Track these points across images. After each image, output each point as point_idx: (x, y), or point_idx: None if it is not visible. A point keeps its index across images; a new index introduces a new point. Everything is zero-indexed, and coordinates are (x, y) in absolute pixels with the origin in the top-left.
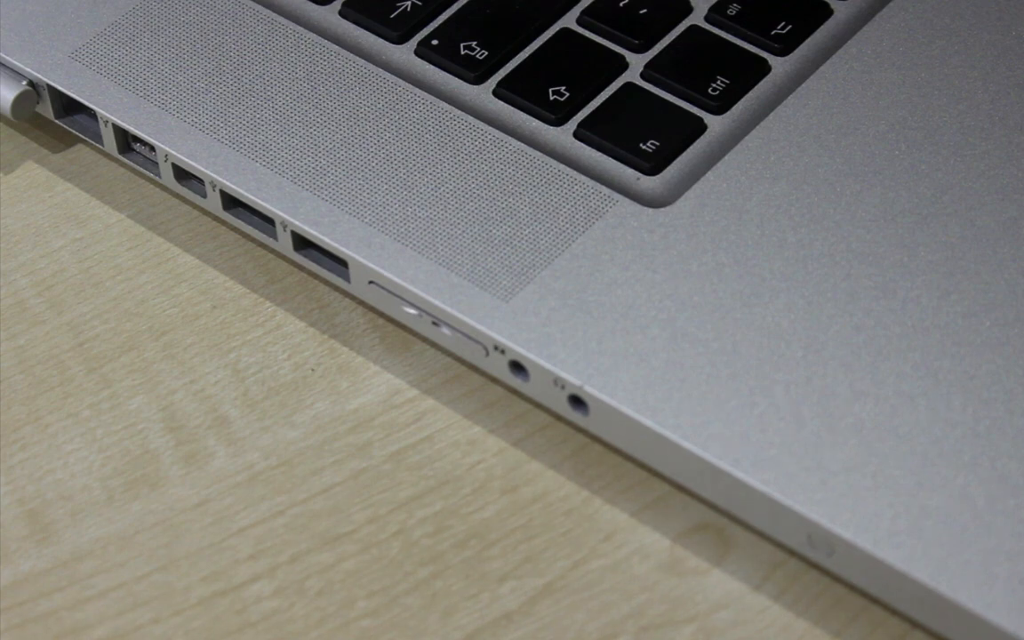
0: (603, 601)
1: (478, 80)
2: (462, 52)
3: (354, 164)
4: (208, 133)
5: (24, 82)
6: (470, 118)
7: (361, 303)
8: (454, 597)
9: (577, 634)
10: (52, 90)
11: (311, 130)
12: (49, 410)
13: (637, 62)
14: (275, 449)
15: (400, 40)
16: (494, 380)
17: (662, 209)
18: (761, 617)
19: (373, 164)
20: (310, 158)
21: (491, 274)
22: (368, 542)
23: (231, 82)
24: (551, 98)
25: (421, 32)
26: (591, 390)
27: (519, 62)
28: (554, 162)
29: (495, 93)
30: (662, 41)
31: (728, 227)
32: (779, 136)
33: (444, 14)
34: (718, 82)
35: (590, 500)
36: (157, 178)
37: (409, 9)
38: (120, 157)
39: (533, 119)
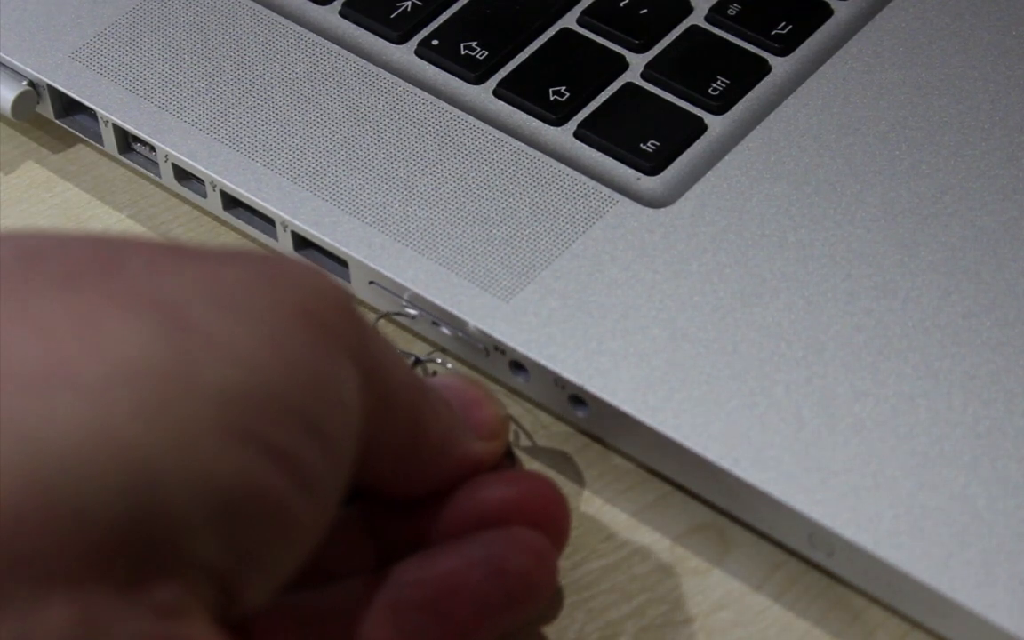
0: (603, 601)
1: (478, 80)
2: (462, 52)
3: (354, 164)
4: (208, 133)
5: (24, 82)
6: (470, 118)
7: (361, 303)
8: None
9: (577, 634)
10: (52, 90)
11: (311, 130)
12: None
13: (637, 62)
14: None
15: (400, 40)
16: (494, 380)
17: (662, 209)
18: (761, 617)
19: (373, 164)
20: (310, 158)
21: (491, 274)
22: None
23: (231, 82)
24: (551, 98)
25: (421, 32)
26: (591, 390)
27: (519, 62)
28: (554, 162)
29: (495, 93)
30: (662, 41)
31: (728, 227)
32: (779, 136)
33: (444, 14)
34: (718, 82)
35: (590, 500)
36: (157, 178)
37: (409, 9)
38: (120, 157)
39: (533, 119)
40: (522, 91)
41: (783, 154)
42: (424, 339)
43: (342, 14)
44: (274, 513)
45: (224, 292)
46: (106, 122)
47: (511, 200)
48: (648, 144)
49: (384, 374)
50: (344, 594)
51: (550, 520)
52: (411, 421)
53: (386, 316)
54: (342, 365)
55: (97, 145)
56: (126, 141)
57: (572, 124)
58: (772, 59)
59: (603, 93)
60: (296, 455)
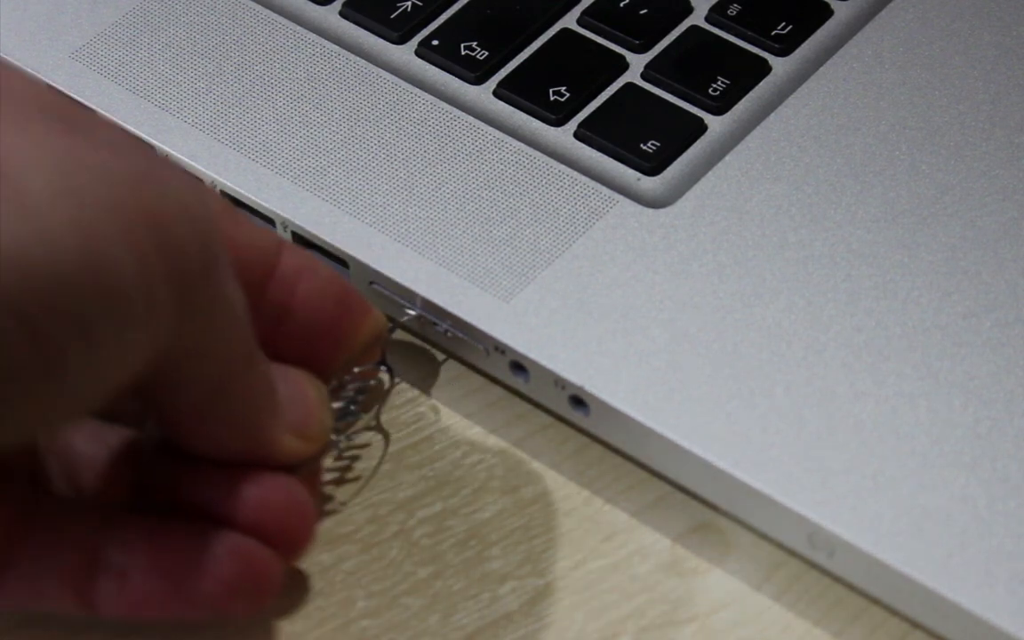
0: (603, 601)
1: (478, 80)
2: (462, 52)
3: (354, 164)
4: (208, 133)
5: None
6: (470, 118)
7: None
8: (454, 597)
9: (577, 634)
10: (52, 90)
11: (311, 130)
12: None
13: (637, 62)
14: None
15: (400, 40)
16: (494, 380)
17: (663, 209)
18: (761, 617)
19: (373, 164)
20: (310, 158)
21: (492, 274)
22: (368, 542)
23: (231, 82)
24: (551, 98)
25: (421, 32)
26: (592, 390)
27: (519, 62)
28: (554, 162)
29: (495, 93)
30: (662, 41)
31: (728, 227)
32: (779, 136)
33: (444, 14)
34: (718, 82)
35: (590, 500)
36: None
37: (409, 9)
38: None
39: (533, 119)
40: (522, 91)
41: (783, 154)
42: (424, 339)
43: (342, 14)
44: (12, 373)
45: (83, 167)
46: None
47: (511, 200)
48: (648, 144)
49: (208, 322)
50: (72, 510)
51: (285, 533)
52: (221, 379)
53: (400, 325)
54: (153, 286)
55: None
56: None
57: (572, 124)
58: (772, 59)
59: (603, 93)
60: (53, 337)
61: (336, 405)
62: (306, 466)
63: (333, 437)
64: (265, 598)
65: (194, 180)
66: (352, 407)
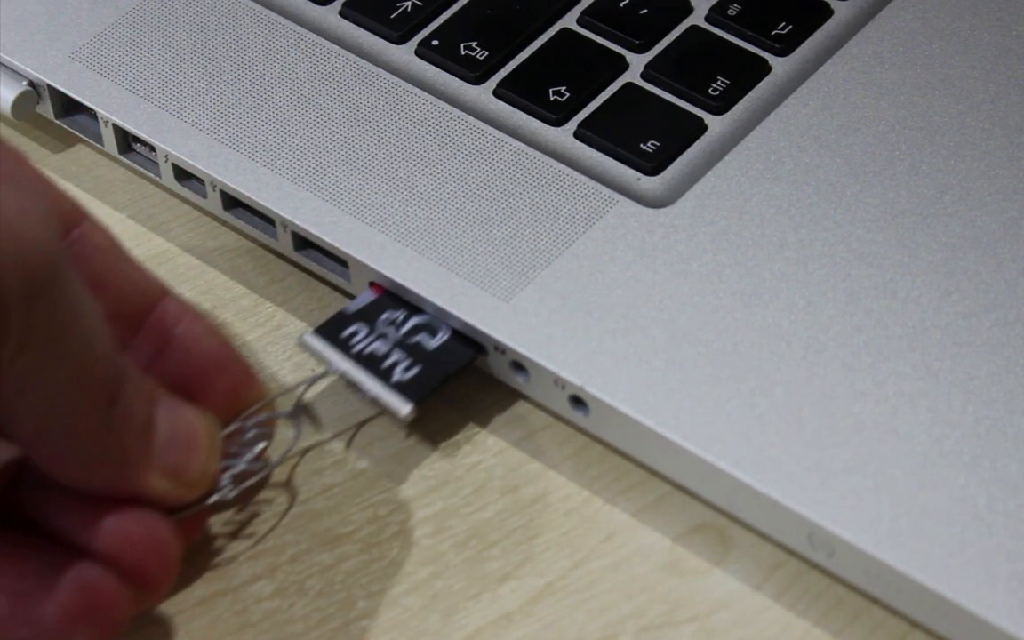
0: (603, 601)
1: (478, 80)
2: (462, 52)
3: (354, 164)
4: (208, 133)
5: (24, 82)
6: (470, 118)
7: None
8: (454, 597)
9: (577, 634)
10: (52, 90)
11: (311, 130)
12: None
13: (637, 62)
14: (275, 449)
15: (400, 40)
16: (494, 380)
17: (662, 209)
18: (761, 617)
19: (373, 164)
20: (310, 158)
21: (491, 274)
22: (368, 542)
23: (231, 82)
24: (551, 98)
25: (421, 32)
26: (591, 390)
27: (519, 62)
28: (554, 162)
29: (495, 93)
30: (662, 41)
31: (728, 227)
32: (779, 136)
33: (444, 14)
34: (718, 82)
35: (590, 500)
36: (157, 178)
37: (409, 9)
38: (120, 157)
39: (533, 119)
40: (522, 91)
41: (783, 154)
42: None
43: (342, 14)
44: None
45: None
46: (106, 122)
47: (511, 200)
48: (648, 144)
49: (40, 352)
50: None
51: (140, 571)
52: (64, 411)
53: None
54: None
55: (97, 145)
56: (126, 141)
57: (572, 124)
58: (772, 59)
59: (603, 93)
60: None
61: (231, 451)
62: (191, 509)
63: (225, 484)
64: (106, 632)
65: (43, 205)
66: (249, 457)
